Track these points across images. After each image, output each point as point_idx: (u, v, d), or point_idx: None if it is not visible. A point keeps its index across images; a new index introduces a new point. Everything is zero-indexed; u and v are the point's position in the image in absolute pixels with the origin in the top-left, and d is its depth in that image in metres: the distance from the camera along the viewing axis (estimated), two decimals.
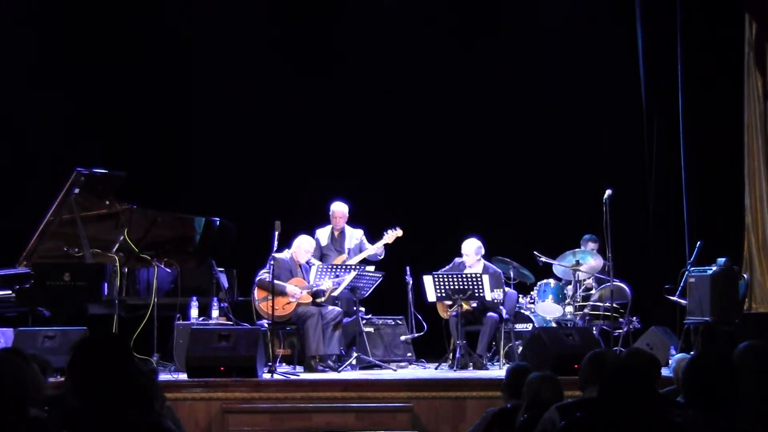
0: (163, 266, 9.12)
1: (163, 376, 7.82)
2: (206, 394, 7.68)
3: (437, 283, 9.24)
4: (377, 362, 9.22)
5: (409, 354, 9.83)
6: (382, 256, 9.70)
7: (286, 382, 8.01)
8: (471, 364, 9.13)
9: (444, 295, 9.26)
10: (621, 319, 9.70)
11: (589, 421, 3.58)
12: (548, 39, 11.70)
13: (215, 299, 9.31)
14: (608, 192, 9.38)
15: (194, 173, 11.40)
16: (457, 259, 9.74)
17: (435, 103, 11.76)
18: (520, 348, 9.14)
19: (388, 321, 9.94)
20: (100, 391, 3.13)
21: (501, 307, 9.42)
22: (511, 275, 9.97)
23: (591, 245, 10.27)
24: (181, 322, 9.06)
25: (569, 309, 9.90)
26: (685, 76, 10.84)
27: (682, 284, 9.72)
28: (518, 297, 10.00)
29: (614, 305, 9.66)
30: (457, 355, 8.98)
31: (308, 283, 9.21)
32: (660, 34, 11.12)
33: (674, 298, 9.84)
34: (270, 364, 8.37)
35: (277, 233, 8.68)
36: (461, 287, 9.17)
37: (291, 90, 11.57)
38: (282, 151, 11.47)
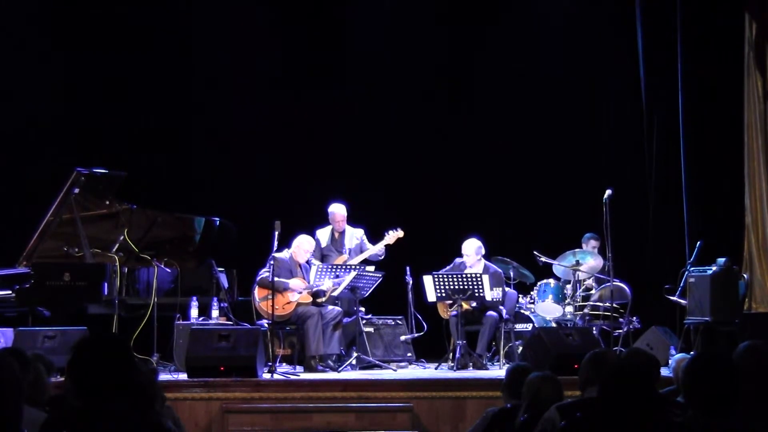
0: (163, 266, 9.12)
1: (163, 376, 7.81)
2: (206, 394, 7.68)
3: (437, 283, 9.24)
4: (377, 362, 9.22)
5: (409, 354, 9.83)
6: (383, 257, 9.70)
7: (286, 382, 8.02)
8: (471, 364, 9.13)
9: (444, 295, 9.26)
10: (621, 319, 9.70)
11: (589, 421, 3.58)
12: (548, 39, 11.70)
13: (215, 299, 9.31)
14: (608, 192, 9.37)
15: (194, 173, 11.40)
16: (458, 260, 9.74)
17: (435, 103, 11.77)
18: (520, 348, 9.14)
19: (388, 321, 9.94)
20: (100, 391, 3.13)
21: (501, 307, 9.42)
22: (511, 275, 9.97)
23: (593, 243, 10.27)
24: (181, 322, 9.06)
25: (569, 309, 9.90)
26: (685, 76, 10.84)
27: (682, 284, 9.72)
28: (518, 297, 10.00)
29: (614, 305, 9.66)
30: (457, 355, 8.98)
31: (308, 283, 9.21)
32: (660, 34, 11.12)
33: (674, 298, 9.84)
34: (270, 364, 8.37)
35: (277, 233, 8.68)
36: (461, 287, 9.17)
37: (291, 90, 11.57)
38: (282, 151, 11.47)
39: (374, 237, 9.80)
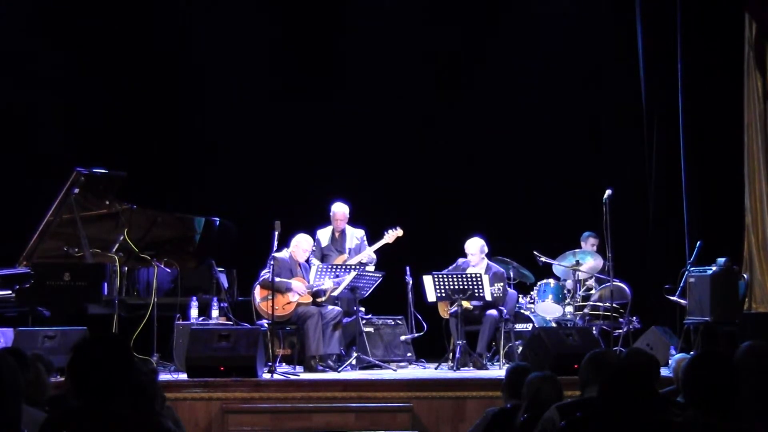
0: (163, 266, 9.11)
1: (163, 376, 7.81)
2: (206, 394, 7.68)
3: (437, 283, 9.24)
4: (377, 362, 9.22)
5: (409, 354, 9.83)
6: (374, 262, 9.68)
7: (286, 382, 8.01)
8: (471, 363, 9.13)
9: (444, 295, 9.26)
10: (621, 319, 9.70)
11: (589, 421, 3.58)
12: (548, 39, 11.69)
13: (215, 299, 9.31)
14: (608, 192, 9.38)
15: (194, 173, 11.40)
16: (460, 260, 9.74)
17: (435, 103, 11.77)
18: (520, 348, 9.14)
19: (388, 321, 9.94)
20: (100, 391, 3.13)
21: (502, 307, 9.42)
22: (511, 275, 9.98)
23: (592, 241, 10.27)
24: (181, 322, 9.06)
25: (569, 309, 9.90)
26: (685, 77, 10.84)
27: (682, 284, 9.72)
28: (518, 297, 10.00)
29: (614, 305, 9.66)
30: (457, 355, 8.98)
31: (308, 282, 9.21)
32: (660, 34, 11.12)
33: (674, 298, 9.84)
34: (270, 364, 8.37)
35: (277, 233, 8.68)
36: (461, 287, 9.17)
37: (291, 89, 11.57)
38: (282, 151, 11.47)
39: (374, 237, 9.80)
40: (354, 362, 9.00)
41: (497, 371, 8.79)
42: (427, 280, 9.31)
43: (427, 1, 11.88)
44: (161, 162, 11.21)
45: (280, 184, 11.27)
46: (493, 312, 9.34)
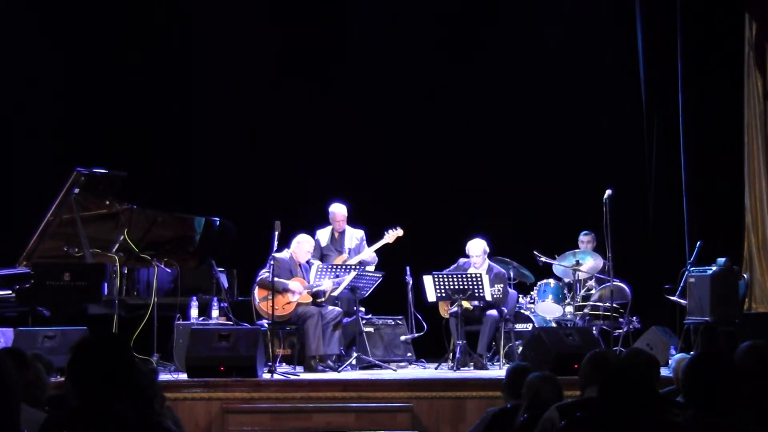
0: (163, 266, 9.11)
1: (163, 376, 7.81)
2: (206, 394, 7.69)
3: (437, 283, 9.24)
4: (377, 362, 9.22)
5: (409, 354, 9.83)
6: (376, 262, 9.68)
7: (286, 382, 8.02)
8: (471, 363, 9.13)
9: (444, 295, 9.26)
10: (621, 319, 9.70)
11: (589, 421, 3.58)
12: (548, 38, 11.70)
13: (215, 299, 9.30)
14: (608, 192, 9.38)
15: (194, 173, 11.40)
16: (462, 259, 9.74)
17: (435, 103, 11.76)
18: (520, 348, 9.14)
19: (388, 321, 9.94)
20: (100, 391, 3.12)
21: (503, 307, 9.42)
22: (511, 275, 9.98)
23: (582, 239, 10.24)
24: (181, 322, 9.06)
25: (569, 309, 9.89)
26: (685, 77, 10.84)
27: (682, 284, 9.72)
28: (518, 297, 10.00)
29: (614, 305, 9.66)
30: (457, 355, 8.98)
31: (308, 283, 9.21)
32: (660, 34, 11.12)
33: (674, 298, 9.84)
34: (270, 364, 8.37)
35: (277, 233, 8.68)
36: (461, 287, 9.17)
37: (291, 89, 11.57)
38: (282, 151, 11.47)
39: (374, 237, 9.80)
40: (354, 362, 9.00)
41: (497, 371, 8.79)
42: (427, 280, 9.31)
43: (427, 1, 11.88)
44: (161, 162, 11.21)
45: (280, 184, 11.27)
46: (493, 312, 9.34)
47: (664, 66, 11.03)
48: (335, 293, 9.27)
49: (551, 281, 10.02)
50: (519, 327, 9.82)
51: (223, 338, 8.09)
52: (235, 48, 11.52)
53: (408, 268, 9.72)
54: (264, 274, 9.03)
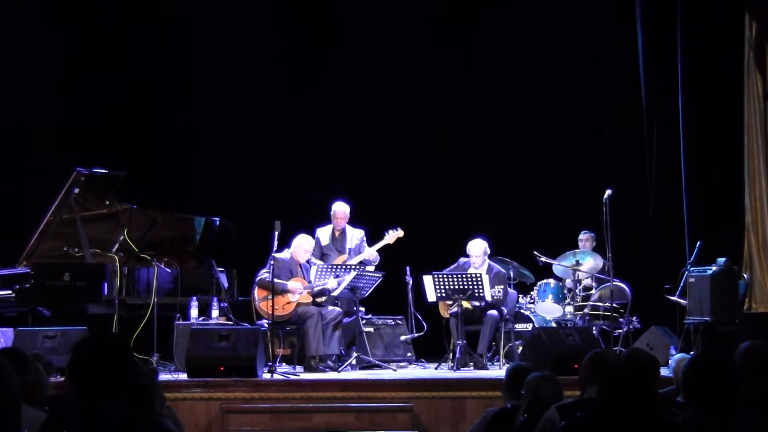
0: (163, 266, 9.11)
1: (163, 376, 7.81)
2: (206, 394, 7.69)
3: (437, 283, 9.24)
4: (377, 362, 9.22)
5: (409, 354, 9.83)
6: (377, 262, 9.68)
7: (286, 382, 8.02)
8: (471, 363, 9.13)
9: (444, 295, 9.26)
10: (621, 319, 9.70)
11: (589, 421, 3.58)
12: (548, 39, 11.70)
13: (215, 299, 9.30)
14: (608, 192, 9.38)
15: (194, 173, 11.39)
16: (462, 259, 9.74)
17: (435, 103, 11.77)
18: (520, 348, 9.14)
19: (388, 321, 9.94)
20: (100, 391, 3.12)
21: (503, 307, 9.42)
22: (511, 275, 9.98)
23: (583, 237, 10.24)
24: (181, 322, 9.06)
25: (569, 309, 9.90)
26: (685, 77, 10.84)
27: (682, 284, 9.73)
28: (518, 297, 10.00)
29: (614, 305, 9.66)
30: (457, 355, 8.98)
31: (309, 282, 9.21)
32: (660, 34, 11.12)
33: (674, 298, 9.84)
34: (270, 364, 8.37)
35: (277, 233, 8.68)
36: (461, 287, 9.17)
37: (291, 89, 11.58)
38: (282, 151, 11.47)
39: (374, 237, 9.80)
40: (354, 362, 9.00)
41: (497, 371, 8.79)
42: (427, 280, 9.31)
43: (427, 1, 11.87)
44: (161, 162, 11.21)
45: (280, 183, 11.27)
46: (493, 312, 9.34)
47: (664, 66, 11.03)
48: (335, 293, 9.27)
49: (551, 281, 10.02)
50: (519, 327, 9.82)
51: (223, 338, 8.09)
52: (236, 48, 11.52)
53: (408, 268, 9.72)
54: (264, 274, 9.03)
